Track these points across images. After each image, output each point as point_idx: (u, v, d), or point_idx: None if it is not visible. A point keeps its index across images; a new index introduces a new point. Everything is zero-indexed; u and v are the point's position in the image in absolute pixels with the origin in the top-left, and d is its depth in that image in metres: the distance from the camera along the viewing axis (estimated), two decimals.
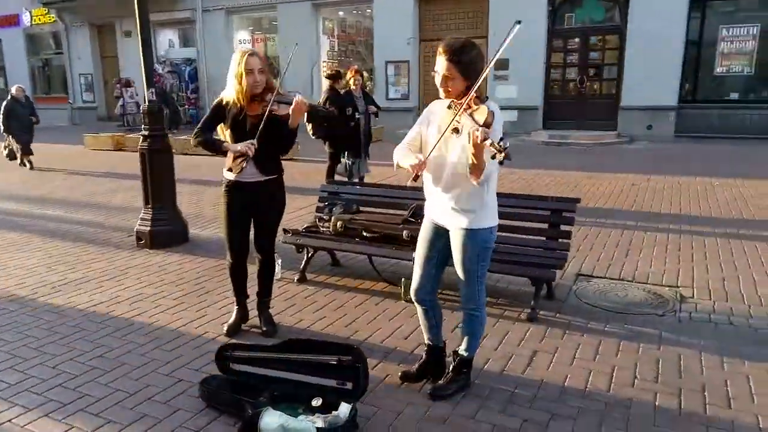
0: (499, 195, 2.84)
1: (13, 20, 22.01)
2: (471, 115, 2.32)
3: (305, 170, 9.56)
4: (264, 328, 3.57)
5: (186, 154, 11.17)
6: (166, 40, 19.86)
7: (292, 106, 3.11)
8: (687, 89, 12.97)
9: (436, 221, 2.79)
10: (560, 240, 4.04)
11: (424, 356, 3.03)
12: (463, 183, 2.54)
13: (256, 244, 3.54)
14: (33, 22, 21.69)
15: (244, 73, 3.20)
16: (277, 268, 3.87)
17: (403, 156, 2.60)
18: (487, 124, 2.21)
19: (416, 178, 2.43)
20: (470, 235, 2.65)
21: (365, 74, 12.05)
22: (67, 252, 5.45)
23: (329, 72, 7.75)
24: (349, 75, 7.43)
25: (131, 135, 14.10)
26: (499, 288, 4.27)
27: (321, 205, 4.80)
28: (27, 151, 11.19)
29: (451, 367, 2.93)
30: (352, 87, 7.32)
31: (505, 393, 2.89)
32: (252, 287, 3.70)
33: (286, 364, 2.75)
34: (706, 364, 3.16)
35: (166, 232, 5.51)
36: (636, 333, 3.55)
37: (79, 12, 20.54)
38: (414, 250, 4.00)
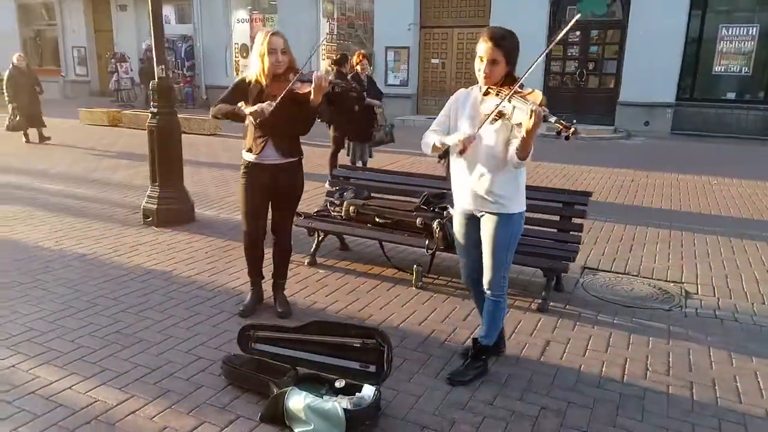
0: None
1: None
2: (524, 97, 2.43)
3: (309, 154, 9.52)
4: (279, 309, 3.59)
5: (184, 132, 11.04)
6: (163, 15, 19.53)
7: (313, 83, 3.10)
8: (685, 87, 13.07)
9: (467, 209, 2.85)
10: (572, 233, 4.09)
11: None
12: (497, 168, 2.64)
13: (273, 227, 3.55)
14: None
15: (266, 53, 3.19)
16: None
17: (440, 136, 2.73)
18: (542, 105, 2.35)
19: (463, 151, 2.58)
20: (503, 220, 2.73)
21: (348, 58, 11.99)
22: (73, 227, 5.41)
23: (336, 56, 7.70)
24: (356, 59, 7.40)
25: (128, 111, 13.93)
26: (509, 278, 4.31)
27: (332, 189, 4.81)
28: (38, 123, 10.74)
29: (470, 354, 2.98)
30: (359, 70, 7.30)
31: (522, 381, 2.95)
32: (267, 268, 3.72)
33: (310, 345, 2.79)
34: (715, 359, 3.24)
35: (174, 210, 5.48)
36: (645, 326, 3.63)
37: None
38: (427, 237, 4.10)
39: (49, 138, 10.90)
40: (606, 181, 8.22)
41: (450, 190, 4.37)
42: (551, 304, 3.88)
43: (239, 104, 3.28)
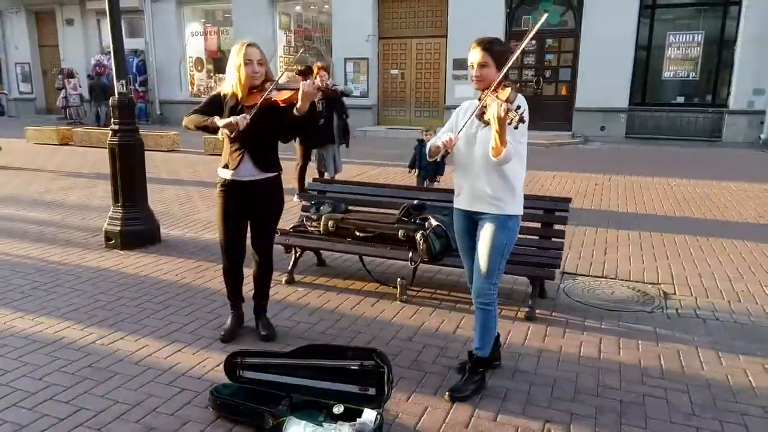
0: None
1: None
2: (496, 96, 2.52)
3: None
4: (263, 333, 3.43)
5: None
6: (121, 27, 18.93)
7: (301, 90, 2.96)
8: (637, 92, 13.50)
9: (467, 209, 2.86)
10: (554, 239, 4.09)
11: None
12: (492, 169, 2.70)
13: (254, 246, 3.39)
14: None
15: (243, 64, 3.07)
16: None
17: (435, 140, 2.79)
18: (509, 100, 2.42)
19: (446, 154, 2.63)
20: (501, 222, 2.74)
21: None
22: (29, 254, 5.08)
23: (300, 68, 7.59)
24: (314, 71, 7.30)
25: (78, 129, 13.38)
26: None
27: (307, 204, 4.67)
28: None
29: (467, 368, 2.90)
30: (319, 83, 7.18)
31: (521, 394, 2.88)
32: (247, 289, 3.55)
33: (304, 370, 2.65)
34: (705, 359, 3.27)
35: (139, 232, 5.23)
36: (632, 330, 3.64)
37: None
38: (409, 249, 4.01)
39: None
40: (571, 186, 8.36)
41: (430, 201, 4.36)
42: (538, 311, 3.85)
43: (213, 118, 3.12)
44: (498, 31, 13.79)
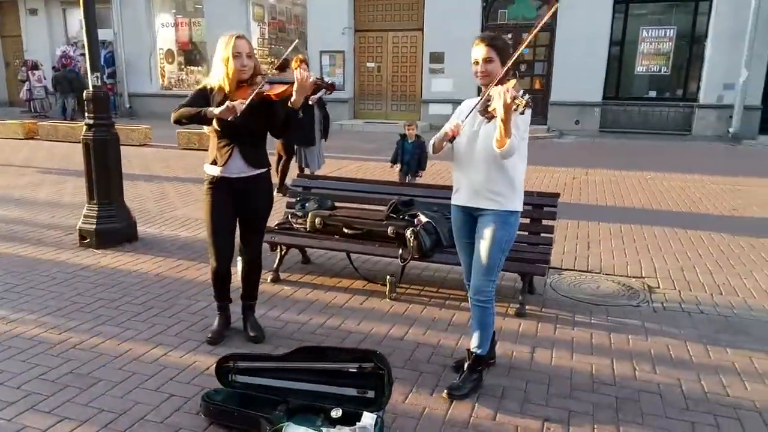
0: None
1: None
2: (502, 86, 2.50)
3: None
4: (252, 334, 3.34)
5: None
6: (77, 20, 18.34)
7: (296, 84, 2.87)
8: (611, 86, 13.68)
9: (466, 204, 2.83)
10: (543, 234, 4.08)
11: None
12: (493, 164, 2.68)
13: (243, 244, 3.30)
14: None
15: (231, 57, 2.96)
16: (239, 266, 3.48)
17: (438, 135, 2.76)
18: (515, 88, 2.41)
19: (452, 140, 2.63)
20: (502, 218, 2.73)
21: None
22: None
23: (278, 62, 7.45)
24: (294, 64, 7.17)
25: (45, 122, 12.93)
26: None
27: (292, 200, 4.58)
28: None
29: (466, 366, 2.87)
30: (313, 77, 7.06)
31: (518, 392, 2.87)
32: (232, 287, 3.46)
33: (300, 373, 2.58)
34: (693, 353, 3.30)
35: (115, 230, 5.05)
36: (621, 324, 3.66)
37: None
38: (399, 246, 3.96)
39: None
40: (550, 180, 8.41)
41: (417, 197, 4.32)
42: (527, 307, 3.84)
43: (206, 108, 2.99)
44: (475, 25, 13.81)
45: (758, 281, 4.45)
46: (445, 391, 2.80)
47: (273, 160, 7.02)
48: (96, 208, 5.03)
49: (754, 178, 8.64)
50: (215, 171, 3.10)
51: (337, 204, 4.47)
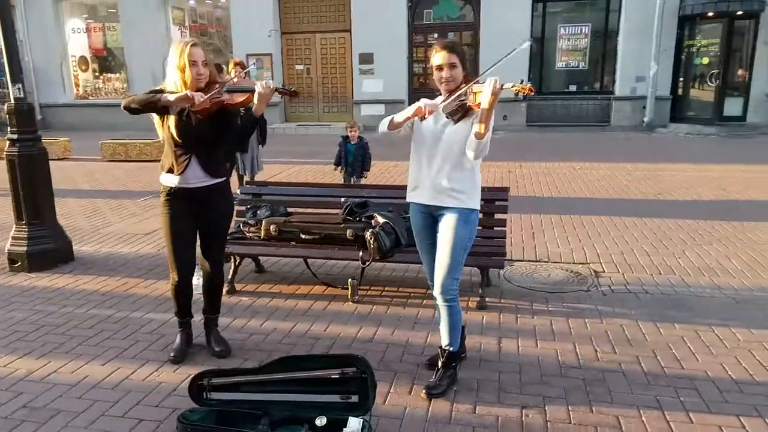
0: None
1: None
2: (472, 90, 2.59)
3: None
4: (217, 349, 3.22)
5: None
6: (13, 24, 16.99)
7: (257, 92, 2.80)
8: (534, 82, 14.23)
9: (428, 203, 2.84)
10: (496, 228, 4.19)
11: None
12: (455, 163, 2.73)
13: (205, 256, 3.18)
14: None
15: (187, 65, 2.84)
16: (197, 281, 3.33)
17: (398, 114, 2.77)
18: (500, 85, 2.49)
19: (423, 118, 2.68)
20: (463, 216, 2.76)
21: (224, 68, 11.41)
22: None
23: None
24: (231, 67, 6.98)
25: None
26: None
27: (243, 209, 4.46)
28: None
29: (440, 363, 2.90)
30: (234, 80, 6.89)
31: (492, 383, 2.93)
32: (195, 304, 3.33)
33: (280, 384, 2.51)
34: (646, 331, 3.51)
35: (49, 251, 4.72)
36: (577, 310, 3.83)
37: None
38: (358, 249, 3.95)
39: None
40: (486, 174, 8.64)
41: (371, 198, 4.32)
42: (487, 299, 3.94)
43: (162, 93, 2.85)
44: (401, 26, 14.00)
45: (690, 259, 4.79)
46: (423, 391, 2.82)
47: None
48: (26, 229, 4.69)
49: (670, 163, 9.28)
50: (173, 181, 2.97)
51: (290, 209, 4.40)
